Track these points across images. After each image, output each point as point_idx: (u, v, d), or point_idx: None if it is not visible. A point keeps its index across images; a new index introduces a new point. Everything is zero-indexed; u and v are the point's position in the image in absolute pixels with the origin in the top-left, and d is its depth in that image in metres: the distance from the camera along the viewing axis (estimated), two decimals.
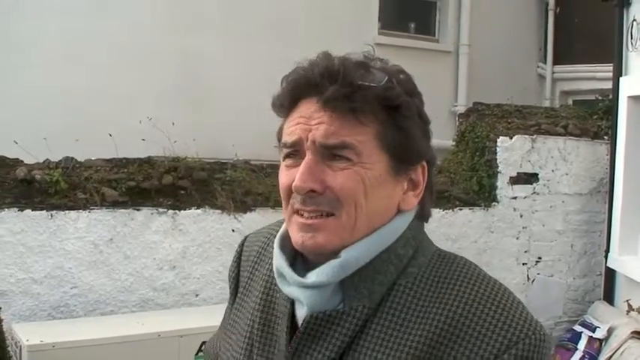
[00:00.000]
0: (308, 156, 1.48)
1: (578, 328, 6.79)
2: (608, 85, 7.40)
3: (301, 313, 1.53)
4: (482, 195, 6.90)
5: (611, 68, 7.19)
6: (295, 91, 1.53)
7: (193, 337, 4.80)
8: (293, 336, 1.53)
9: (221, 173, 5.96)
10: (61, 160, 5.53)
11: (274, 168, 6.10)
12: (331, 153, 1.47)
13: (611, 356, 6.29)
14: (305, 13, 9.34)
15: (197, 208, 5.68)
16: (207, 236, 5.69)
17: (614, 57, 7.08)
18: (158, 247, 5.51)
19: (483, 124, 7.18)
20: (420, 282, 1.50)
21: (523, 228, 6.98)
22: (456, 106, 10.39)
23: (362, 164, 1.46)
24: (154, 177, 5.63)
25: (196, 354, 4.80)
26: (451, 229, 6.54)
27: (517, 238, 6.96)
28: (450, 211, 6.61)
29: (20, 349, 4.37)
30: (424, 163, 1.55)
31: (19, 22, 7.68)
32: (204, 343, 4.74)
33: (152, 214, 5.49)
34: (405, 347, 1.42)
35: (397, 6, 10.87)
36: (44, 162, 5.51)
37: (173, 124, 5.91)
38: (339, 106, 1.45)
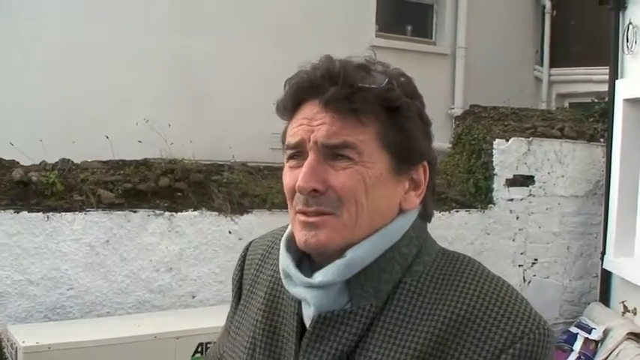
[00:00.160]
0: (310, 156, 1.50)
1: (574, 329, 6.80)
2: (605, 87, 7.42)
3: (308, 313, 1.54)
4: (479, 197, 6.91)
5: (607, 71, 7.20)
6: (298, 94, 1.55)
7: (190, 339, 4.81)
8: (301, 336, 1.55)
9: (218, 175, 5.96)
10: (57, 162, 5.53)
11: (271, 170, 6.12)
12: (333, 153, 1.49)
13: (606, 358, 6.30)
14: (302, 15, 9.34)
15: (194, 210, 5.68)
16: (204, 238, 5.69)
17: (610, 60, 7.09)
18: (154, 249, 5.51)
19: (480, 126, 7.20)
20: (426, 280, 1.52)
21: (519, 230, 6.99)
22: (453, 108, 10.40)
23: (363, 163, 1.49)
24: (150, 179, 5.63)
25: (193, 355, 4.80)
26: (447, 231, 6.55)
27: (513, 240, 6.97)
28: (447, 212, 6.62)
29: (16, 351, 4.38)
30: (425, 164, 1.57)
31: (15, 23, 7.67)
32: (200, 344, 4.76)
33: (149, 215, 5.49)
34: (412, 344, 1.44)
35: (394, 9, 10.88)
36: (40, 164, 5.50)
37: (170, 125, 5.91)
38: (340, 107, 1.48)
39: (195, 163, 5.91)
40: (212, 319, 5.03)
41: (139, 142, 5.70)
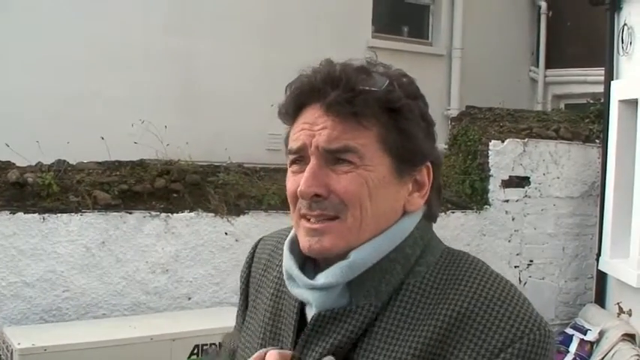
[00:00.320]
0: (312, 161, 1.51)
1: (569, 330, 6.81)
2: (600, 88, 7.44)
3: (310, 313, 1.55)
4: (475, 198, 6.92)
5: (603, 72, 7.22)
6: (299, 98, 1.55)
7: (186, 341, 4.81)
8: (300, 335, 1.56)
9: (214, 176, 5.96)
10: (53, 163, 5.52)
11: (267, 171, 6.12)
12: (335, 157, 1.49)
13: (602, 359, 6.31)
14: (299, 16, 9.34)
15: (190, 212, 5.68)
16: (200, 239, 5.69)
17: (606, 61, 7.11)
18: (150, 251, 5.51)
19: (476, 127, 7.21)
20: (429, 281, 1.51)
21: (515, 231, 7.00)
22: (449, 109, 10.41)
23: (365, 167, 1.49)
24: (146, 180, 5.63)
25: (189, 357, 4.80)
26: (444, 232, 6.54)
27: (509, 241, 6.98)
28: (443, 214, 6.62)
29: (12, 353, 4.37)
30: (429, 164, 1.57)
31: (10, 23, 7.66)
32: (196, 346, 4.77)
33: (144, 217, 5.49)
34: (412, 344, 1.44)
35: (391, 10, 10.89)
36: (36, 165, 5.50)
37: (166, 127, 5.91)
38: (341, 111, 1.48)
39: (191, 164, 5.91)
40: (208, 320, 5.04)
41: (135, 143, 5.70)
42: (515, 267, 7.03)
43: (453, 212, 6.73)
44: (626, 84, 6.75)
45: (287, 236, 1.66)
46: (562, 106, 10.68)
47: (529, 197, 7.05)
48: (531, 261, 7.10)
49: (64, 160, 5.60)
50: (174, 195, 5.71)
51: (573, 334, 6.71)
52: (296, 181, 1.53)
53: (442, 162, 1.65)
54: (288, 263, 1.59)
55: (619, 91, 6.79)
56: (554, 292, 7.22)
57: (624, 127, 6.67)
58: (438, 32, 10.96)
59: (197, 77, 8.75)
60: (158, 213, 5.55)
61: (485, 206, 6.90)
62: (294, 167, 1.56)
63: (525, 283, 7.06)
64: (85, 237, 5.28)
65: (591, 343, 6.52)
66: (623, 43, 6.82)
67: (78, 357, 4.46)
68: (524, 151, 7.02)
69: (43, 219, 5.15)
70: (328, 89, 1.49)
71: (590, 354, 6.48)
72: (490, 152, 6.92)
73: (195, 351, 4.80)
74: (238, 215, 5.84)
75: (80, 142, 6.35)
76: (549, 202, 7.13)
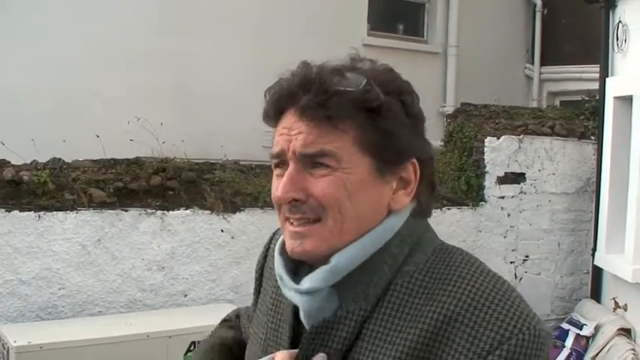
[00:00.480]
0: (290, 166, 1.51)
1: (565, 325, 6.83)
2: (595, 85, 7.44)
3: (302, 313, 1.56)
4: (470, 194, 6.93)
5: (598, 69, 7.23)
6: (278, 103, 1.55)
7: (182, 338, 4.81)
8: (298, 337, 1.57)
9: (210, 174, 5.97)
10: (48, 161, 5.52)
11: (263, 168, 6.12)
12: (312, 161, 1.49)
13: (597, 353, 6.33)
14: (294, 14, 9.34)
15: (186, 209, 5.68)
16: (196, 237, 5.69)
17: (601, 58, 7.12)
18: (146, 248, 5.51)
19: (471, 124, 7.22)
20: (417, 280, 1.50)
21: (510, 227, 7.02)
22: (444, 106, 10.40)
23: (343, 169, 1.48)
24: (142, 178, 5.63)
25: (185, 354, 4.80)
26: (439, 229, 6.45)
27: (505, 237, 7.00)
28: (439, 210, 6.63)
29: (8, 351, 4.37)
30: (414, 161, 1.54)
31: (5, 22, 7.65)
32: (193, 343, 4.77)
33: (140, 214, 5.49)
34: (400, 347, 1.43)
35: (386, 7, 10.88)
36: (32, 163, 5.50)
37: (162, 124, 5.90)
38: (315, 115, 1.47)
39: (187, 161, 5.91)
40: (204, 317, 5.03)
41: (131, 140, 5.70)
42: (511, 263, 7.04)
43: (449, 209, 6.75)
44: (621, 81, 6.76)
45: None
46: (557, 103, 10.70)
47: (524, 193, 7.07)
48: (527, 257, 7.12)
49: (60, 158, 5.60)
50: (170, 192, 5.71)
51: (569, 329, 6.72)
52: (278, 185, 1.54)
53: (434, 156, 1.63)
54: (278, 266, 1.60)
55: (614, 88, 6.80)
56: (550, 288, 7.24)
57: (619, 123, 6.68)
58: (433, 30, 10.96)
59: (192, 75, 8.74)
60: (154, 210, 5.55)
61: (481, 202, 6.92)
62: (277, 171, 1.57)
63: (521, 279, 7.08)
64: (81, 235, 5.28)
65: (587, 338, 6.53)
66: (618, 40, 6.83)
67: (74, 354, 4.47)
68: (519, 147, 7.03)
69: (39, 217, 5.15)
70: (301, 93, 1.49)
71: (586, 349, 6.50)
72: (486, 149, 6.93)
73: (192, 348, 4.80)
74: (234, 212, 5.84)
75: (76, 140, 6.34)
76: (545, 198, 7.14)
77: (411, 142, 1.53)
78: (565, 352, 6.57)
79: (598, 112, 7.16)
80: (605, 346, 6.31)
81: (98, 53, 8.11)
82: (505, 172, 7.00)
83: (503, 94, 8.99)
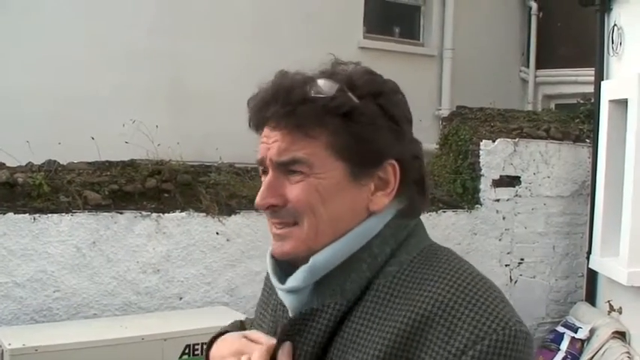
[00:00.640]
0: (269, 173, 1.58)
1: (560, 328, 6.84)
2: (590, 89, 7.46)
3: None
4: (466, 197, 6.94)
5: (593, 72, 7.24)
6: (257, 113, 1.60)
7: (177, 341, 4.80)
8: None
9: (205, 176, 5.96)
10: (43, 163, 5.52)
11: (258, 171, 6.10)
12: (287, 168, 1.54)
13: (592, 357, 6.33)
14: (290, 16, 9.34)
15: (181, 212, 5.67)
16: (191, 239, 5.69)
17: (596, 61, 7.14)
18: (141, 251, 5.51)
19: (467, 127, 7.23)
20: (399, 280, 1.52)
21: (506, 230, 7.02)
22: (440, 109, 10.42)
23: (315, 175, 1.52)
24: (137, 180, 5.63)
25: (180, 357, 4.79)
26: (435, 232, 6.53)
27: (500, 240, 7.00)
28: (434, 213, 6.64)
29: (2, 354, 4.36)
30: (392, 162, 1.55)
31: (1, 24, 7.65)
32: (188, 346, 4.76)
33: (135, 217, 5.49)
34: (378, 345, 1.45)
35: (382, 10, 10.89)
36: (27, 165, 5.49)
37: (157, 127, 5.90)
38: (286, 124, 1.52)
39: (182, 164, 5.91)
40: (200, 320, 5.04)
41: (126, 142, 5.69)
42: (506, 266, 7.05)
43: (445, 211, 6.75)
44: (616, 84, 6.77)
45: None
46: (552, 106, 10.71)
47: (520, 196, 7.07)
48: (522, 260, 7.12)
49: (55, 161, 5.59)
50: (165, 195, 5.70)
51: (564, 332, 6.73)
52: None
53: (420, 155, 1.63)
54: (268, 267, 1.67)
55: (609, 92, 6.81)
56: (545, 291, 7.24)
57: (614, 127, 6.69)
58: (429, 33, 10.97)
59: (188, 77, 8.74)
60: (149, 213, 5.54)
61: (477, 205, 6.92)
62: (263, 177, 1.63)
63: (516, 282, 7.08)
64: (76, 237, 5.27)
65: (582, 341, 6.54)
66: (613, 43, 6.84)
67: (69, 357, 4.46)
68: (514, 150, 7.04)
69: (34, 219, 5.14)
70: (273, 103, 1.54)
71: (581, 352, 6.50)
72: (481, 152, 6.94)
73: (187, 351, 4.80)
74: (229, 215, 5.84)
75: (70, 142, 6.34)
76: (540, 201, 7.15)
77: (387, 143, 1.55)
78: (560, 355, 6.57)
79: (593, 116, 7.17)
80: (600, 349, 6.31)
81: (94, 55, 8.10)
82: (500, 175, 7.01)
83: (498, 97, 8.99)
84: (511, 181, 7.06)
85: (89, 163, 5.73)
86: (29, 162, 5.51)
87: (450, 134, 7.38)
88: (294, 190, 1.53)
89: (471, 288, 1.46)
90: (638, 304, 6.36)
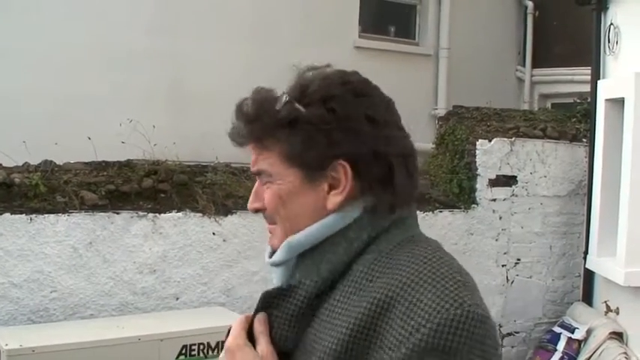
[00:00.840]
0: (256, 182, 1.78)
1: (557, 329, 6.83)
2: (587, 88, 7.45)
3: None
4: (462, 197, 6.93)
5: (589, 71, 7.24)
6: (234, 130, 1.79)
7: (174, 341, 4.80)
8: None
9: (201, 176, 5.96)
10: (40, 164, 5.51)
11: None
12: (260, 177, 1.76)
13: (589, 357, 6.33)
14: (286, 16, 9.34)
15: (177, 212, 5.67)
16: (188, 239, 5.68)
17: (592, 60, 7.13)
18: (138, 251, 5.50)
19: (463, 127, 7.22)
20: (375, 266, 1.62)
21: (502, 230, 7.02)
22: (436, 109, 10.41)
23: (276, 182, 1.70)
24: (133, 180, 5.62)
25: (177, 357, 4.79)
26: (431, 232, 6.48)
27: (496, 240, 6.99)
28: (430, 213, 6.64)
29: None
30: (343, 162, 1.64)
31: None
32: (184, 346, 4.76)
33: (132, 217, 5.48)
34: (350, 324, 1.55)
35: (377, 9, 10.88)
36: (23, 165, 5.49)
37: (154, 127, 5.89)
38: (250, 140, 1.73)
39: (178, 164, 5.90)
40: (196, 321, 5.04)
41: (123, 142, 5.68)
42: (503, 266, 7.04)
43: (441, 211, 6.75)
44: (613, 83, 6.77)
45: None
46: (549, 105, 10.70)
47: (516, 196, 7.07)
48: (519, 260, 7.12)
49: (51, 161, 5.59)
50: (162, 195, 5.70)
51: (561, 333, 6.72)
52: None
53: (386, 151, 1.66)
54: (266, 253, 1.82)
55: (606, 91, 6.81)
56: (542, 291, 7.24)
57: (611, 126, 6.69)
58: (424, 32, 10.96)
59: (184, 77, 8.73)
60: (145, 213, 5.54)
61: (473, 205, 6.92)
62: None
63: (513, 282, 7.08)
64: (73, 237, 5.26)
65: (579, 342, 6.54)
66: (609, 42, 6.84)
67: (66, 357, 4.45)
68: (511, 150, 7.03)
69: (30, 219, 5.14)
70: (239, 122, 1.75)
71: (577, 352, 6.50)
72: (477, 151, 6.93)
73: (184, 351, 4.80)
74: (226, 215, 5.83)
75: (67, 142, 6.33)
76: (536, 200, 7.15)
77: (334, 145, 1.64)
78: (557, 356, 6.57)
79: (590, 115, 7.17)
80: (597, 349, 6.31)
81: (91, 55, 8.10)
82: (497, 175, 7.00)
83: (494, 97, 9.00)
84: (507, 180, 7.05)
85: (86, 164, 5.72)
86: (26, 162, 5.51)
87: (446, 134, 7.38)
88: (265, 196, 1.73)
89: (435, 272, 1.55)
90: (635, 305, 6.36)
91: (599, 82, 6.95)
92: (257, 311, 1.72)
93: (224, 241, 5.79)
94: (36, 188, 5.24)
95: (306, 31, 9.25)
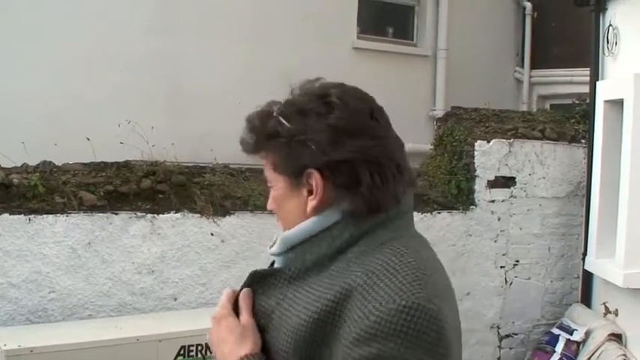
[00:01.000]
0: None
1: (555, 330, 6.83)
2: (585, 89, 7.44)
3: None
4: (461, 198, 6.92)
5: (588, 73, 7.23)
6: None
7: (172, 342, 4.80)
8: None
9: (200, 177, 5.95)
10: (38, 164, 5.51)
11: (253, 172, 6.11)
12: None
13: (588, 359, 6.33)
14: (284, 17, 9.34)
15: (176, 212, 5.66)
16: (186, 240, 5.68)
17: (591, 61, 7.12)
18: (136, 252, 5.50)
19: (461, 128, 7.21)
20: (352, 264, 1.80)
21: (501, 231, 7.01)
22: (434, 110, 10.42)
23: (273, 188, 1.97)
24: (132, 181, 5.62)
25: (175, 358, 4.79)
26: (429, 233, 6.53)
27: (495, 241, 6.99)
28: (429, 214, 6.64)
29: None
30: (310, 171, 1.85)
31: None
32: (183, 347, 4.76)
33: (130, 218, 5.48)
34: (314, 308, 1.76)
35: (376, 10, 10.89)
36: (22, 166, 5.48)
37: (153, 127, 5.89)
38: (252, 150, 1.97)
39: (177, 165, 5.90)
40: (194, 321, 5.03)
41: (121, 143, 5.68)
42: (501, 267, 7.04)
43: (439, 212, 6.74)
44: (612, 84, 6.77)
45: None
46: (547, 106, 10.69)
47: (515, 197, 7.06)
48: (517, 261, 7.11)
49: (50, 162, 5.58)
50: (160, 196, 5.69)
51: (559, 334, 6.72)
52: None
53: (353, 158, 1.82)
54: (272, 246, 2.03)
55: (604, 92, 6.80)
56: (541, 292, 7.23)
57: (610, 127, 6.68)
58: (423, 33, 10.97)
59: (183, 78, 8.74)
60: (144, 214, 5.54)
61: (471, 207, 6.91)
62: None
63: (511, 284, 7.08)
64: (71, 238, 5.26)
65: (577, 343, 6.53)
66: (608, 43, 6.84)
67: (64, 358, 4.45)
68: (509, 151, 7.03)
69: (29, 220, 5.13)
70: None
71: (576, 354, 6.50)
72: (476, 153, 6.93)
73: (182, 352, 4.79)
74: (224, 216, 5.83)
75: (66, 143, 6.33)
76: (535, 202, 7.14)
77: (305, 156, 1.85)
78: (555, 357, 6.56)
79: (588, 116, 7.16)
80: (595, 351, 6.30)
81: (90, 56, 8.10)
82: (495, 176, 6.99)
83: (493, 98, 9.00)
84: (506, 182, 7.04)
85: (84, 164, 5.71)
86: (24, 163, 5.50)
87: (444, 135, 7.37)
88: (269, 199, 2.01)
89: (397, 266, 1.74)
90: (634, 306, 6.36)
91: (597, 83, 6.94)
92: (243, 287, 1.97)
93: (222, 241, 5.79)
94: (34, 189, 5.24)
95: (305, 32, 9.26)
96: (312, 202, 1.87)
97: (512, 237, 7.07)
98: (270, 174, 1.95)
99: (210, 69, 8.78)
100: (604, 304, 6.77)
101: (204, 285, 5.73)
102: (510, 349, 7.12)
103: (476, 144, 6.94)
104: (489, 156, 6.95)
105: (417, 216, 6.47)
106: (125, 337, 4.72)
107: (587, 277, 7.06)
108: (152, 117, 6.92)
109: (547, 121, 7.53)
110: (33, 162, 5.51)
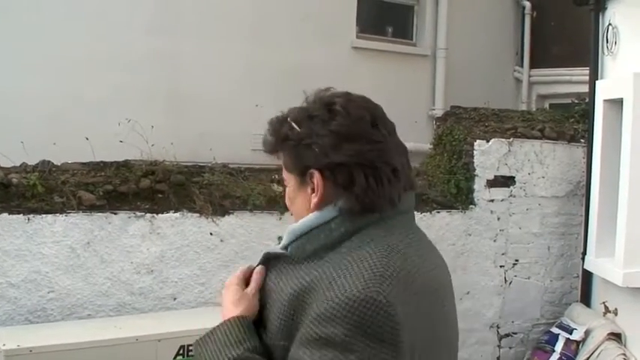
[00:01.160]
0: None
1: (555, 330, 6.82)
2: (585, 88, 7.44)
3: None
4: (460, 198, 6.92)
5: (588, 72, 7.23)
6: None
7: (171, 341, 4.79)
8: None
9: (199, 177, 5.95)
10: (37, 164, 5.50)
11: (252, 171, 6.11)
12: None
13: (587, 358, 6.32)
14: (284, 16, 9.34)
15: (175, 212, 5.66)
16: (185, 240, 5.68)
17: (590, 61, 7.11)
18: (135, 251, 5.49)
19: (461, 127, 7.21)
20: (341, 257, 1.99)
21: (500, 231, 7.01)
22: (434, 109, 10.42)
23: (287, 185, 2.19)
24: (131, 180, 5.61)
25: (174, 358, 4.78)
26: (429, 232, 6.42)
27: (494, 241, 6.99)
28: (428, 214, 6.63)
29: None
30: (312, 171, 2.06)
31: None
32: (182, 347, 4.75)
33: (129, 217, 5.47)
34: (296, 285, 1.99)
35: (375, 10, 10.89)
36: (21, 165, 5.48)
37: (152, 127, 5.88)
38: (270, 151, 2.20)
39: (176, 164, 5.89)
40: (194, 321, 5.02)
41: (120, 142, 5.68)
42: (501, 266, 7.03)
43: (439, 212, 6.74)
44: (611, 84, 6.76)
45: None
46: (547, 105, 10.69)
47: (514, 197, 7.06)
48: (517, 260, 7.11)
49: (49, 161, 5.57)
50: (159, 195, 5.69)
51: (559, 334, 6.72)
52: None
53: (349, 161, 2.02)
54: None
55: (604, 91, 6.80)
56: (540, 292, 7.23)
57: (609, 126, 6.68)
58: (422, 32, 10.97)
59: (182, 78, 8.73)
60: (143, 213, 5.53)
61: (471, 206, 6.91)
62: None
63: (511, 283, 7.07)
64: (70, 237, 5.26)
65: (577, 343, 6.53)
66: (607, 42, 6.83)
67: (63, 358, 4.45)
68: (509, 150, 7.03)
69: (28, 219, 5.13)
70: None
71: (576, 353, 6.50)
72: (475, 152, 6.92)
73: (181, 352, 4.79)
74: (223, 215, 5.83)
75: (65, 142, 6.33)
76: (534, 201, 7.14)
77: (309, 157, 2.06)
78: (555, 357, 6.56)
79: (588, 115, 7.15)
80: (595, 350, 6.30)
81: (90, 56, 8.10)
82: (495, 176, 6.99)
83: (492, 97, 9.00)
84: (505, 181, 7.04)
85: (83, 164, 5.71)
86: (23, 162, 5.49)
87: (443, 134, 7.37)
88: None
89: (364, 263, 1.93)
90: (633, 306, 6.35)
91: (597, 82, 6.94)
92: (258, 265, 2.20)
93: (221, 241, 5.79)
94: (33, 188, 5.23)
95: (305, 32, 9.26)
96: (314, 199, 2.08)
97: (512, 236, 7.07)
98: (284, 173, 2.18)
99: (210, 69, 8.78)
100: (603, 303, 6.77)
101: (204, 284, 5.73)
102: (510, 348, 7.12)
103: (475, 143, 6.94)
104: (489, 155, 6.95)
105: (416, 215, 6.44)
106: (124, 337, 4.71)
107: (587, 277, 7.06)
108: (152, 117, 6.91)
109: (546, 121, 7.53)
110: (32, 161, 5.51)
